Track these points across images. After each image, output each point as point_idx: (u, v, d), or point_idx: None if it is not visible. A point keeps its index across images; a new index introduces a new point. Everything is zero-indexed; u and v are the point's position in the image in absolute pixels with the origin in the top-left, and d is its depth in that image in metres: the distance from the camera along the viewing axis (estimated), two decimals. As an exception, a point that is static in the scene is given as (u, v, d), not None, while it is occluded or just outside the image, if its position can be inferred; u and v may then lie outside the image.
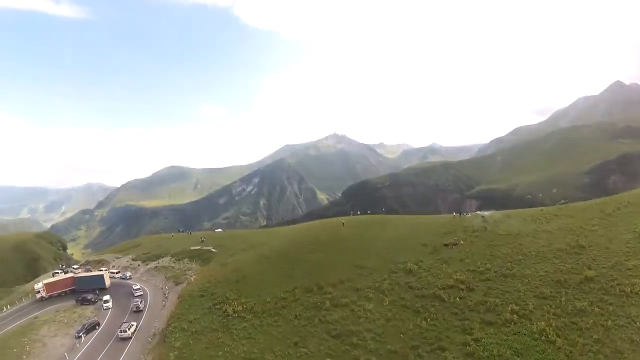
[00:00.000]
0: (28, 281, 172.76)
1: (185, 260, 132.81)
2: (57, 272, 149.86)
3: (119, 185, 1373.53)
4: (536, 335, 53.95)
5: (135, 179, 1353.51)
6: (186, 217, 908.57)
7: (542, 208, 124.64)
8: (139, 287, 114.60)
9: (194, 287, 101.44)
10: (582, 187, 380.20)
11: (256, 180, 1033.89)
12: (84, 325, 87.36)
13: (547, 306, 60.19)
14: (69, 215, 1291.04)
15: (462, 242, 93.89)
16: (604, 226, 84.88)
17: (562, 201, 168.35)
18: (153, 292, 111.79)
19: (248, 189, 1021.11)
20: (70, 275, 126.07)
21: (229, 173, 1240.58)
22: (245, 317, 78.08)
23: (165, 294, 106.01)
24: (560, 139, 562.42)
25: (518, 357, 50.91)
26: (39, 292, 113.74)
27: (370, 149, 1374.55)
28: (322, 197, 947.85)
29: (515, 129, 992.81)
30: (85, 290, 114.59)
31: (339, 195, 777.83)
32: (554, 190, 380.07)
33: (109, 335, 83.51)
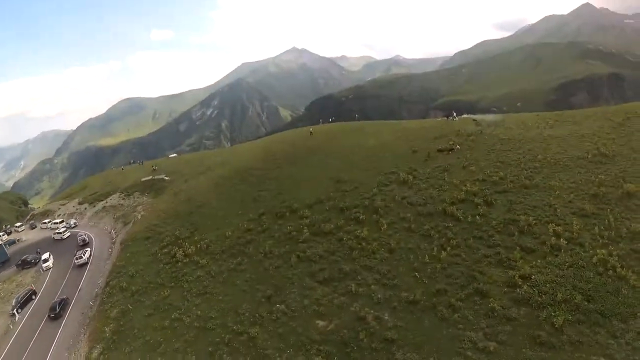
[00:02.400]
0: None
1: (136, 194, 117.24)
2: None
3: (74, 128, 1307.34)
4: (600, 269, 38.60)
5: (90, 119, 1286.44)
6: (148, 149, 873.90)
7: (538, 113, 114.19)
8: (63, 229, 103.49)
9: (140, 227, 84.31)
10: (548, 103, 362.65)
11: (215, 102, 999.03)
12: (17, 299, 69.14)
13: (596, 227, 45.04)
14: (29, 169, 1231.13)
15: (458, 146, 78.94)
16: (620, 135, 71.28)
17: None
18: (99, 238, 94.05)
19: (208, 113, 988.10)
20: None
21: (187, 98, 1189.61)
22: (199, 262, 60.55)
23: (112, 239, 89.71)
24: (527, 54, 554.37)
25: (590, 302, 35.28)
26: None
27: (332, 62, 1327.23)
28: (286, 114, 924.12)
29: (480, 42, 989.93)
30: None
31: (303, 111, 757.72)
32: (519, 104, 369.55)
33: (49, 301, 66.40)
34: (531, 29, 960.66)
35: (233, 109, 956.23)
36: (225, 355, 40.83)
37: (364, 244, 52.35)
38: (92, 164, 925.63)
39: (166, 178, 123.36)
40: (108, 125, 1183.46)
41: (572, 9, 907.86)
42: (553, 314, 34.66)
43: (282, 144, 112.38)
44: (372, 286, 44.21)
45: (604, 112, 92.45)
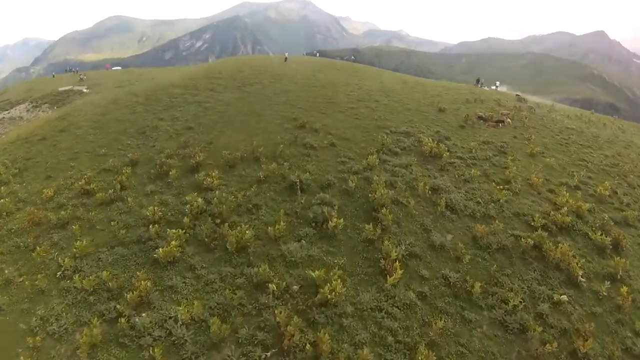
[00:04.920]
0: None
1: (45, 106, 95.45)
2: None
3: (57, 39, 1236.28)
4: None
5: (75, 31, 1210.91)
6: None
7: (592, 111, 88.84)
8: None
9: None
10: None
11: (207, 36, 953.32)
12: None
13: None
14: (3, 75, 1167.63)
15: (509, 120, 47.80)
16: None
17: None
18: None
19: (197, 45, 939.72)
20: None
21: (179, 27, 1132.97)
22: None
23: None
24: (530, 61, 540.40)
25: None
26: None
27: (335, 20, 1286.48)
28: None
29: (487, 38, 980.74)
30: None
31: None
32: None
33: None
34: (540, 39, 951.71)
35: (224, 46, 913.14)
36: None
37: (339, 323, 17.90)
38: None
39: (85, 90, 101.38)
40: (91, 41, 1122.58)
41: (584, 33, 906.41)
42: None
43: (240, 64, 76.63)
44: None
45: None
